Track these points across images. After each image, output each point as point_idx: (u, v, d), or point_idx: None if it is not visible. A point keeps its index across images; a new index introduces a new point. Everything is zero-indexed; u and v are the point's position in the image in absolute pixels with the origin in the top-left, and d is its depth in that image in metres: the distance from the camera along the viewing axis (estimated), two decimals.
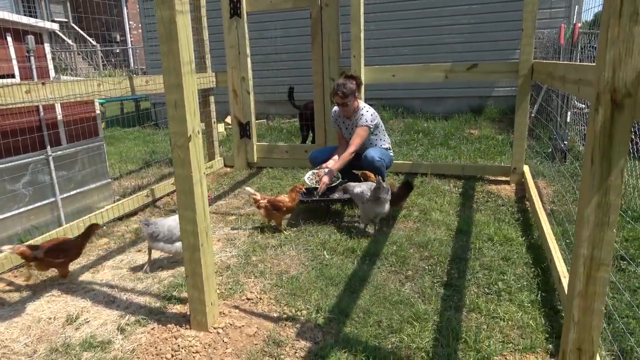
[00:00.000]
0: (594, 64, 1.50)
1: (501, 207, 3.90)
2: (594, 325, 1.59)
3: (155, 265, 3.13)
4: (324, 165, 4.08)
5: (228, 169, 5.65)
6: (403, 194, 3.74)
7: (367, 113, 4.01)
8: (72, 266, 3.16)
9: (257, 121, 8.33)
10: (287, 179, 5.02)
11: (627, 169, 3.88)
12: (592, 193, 1.46)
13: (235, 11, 5.09)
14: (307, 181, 3.94)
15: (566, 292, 1.70)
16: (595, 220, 1.48)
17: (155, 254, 3.16)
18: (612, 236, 1.50)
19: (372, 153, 3.94)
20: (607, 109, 1.40)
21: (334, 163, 4.03)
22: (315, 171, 4.03)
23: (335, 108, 4.24)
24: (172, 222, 2.94)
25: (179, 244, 2.87)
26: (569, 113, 5.09)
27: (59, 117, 3.63)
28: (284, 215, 3.59)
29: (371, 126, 4.01)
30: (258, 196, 3.57)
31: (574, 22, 6.50)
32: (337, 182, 3.90)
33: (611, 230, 1.48)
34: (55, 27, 3.57)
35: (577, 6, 7.22)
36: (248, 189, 3.67)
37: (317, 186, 3.86)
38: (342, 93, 3.89)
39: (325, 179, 3.82)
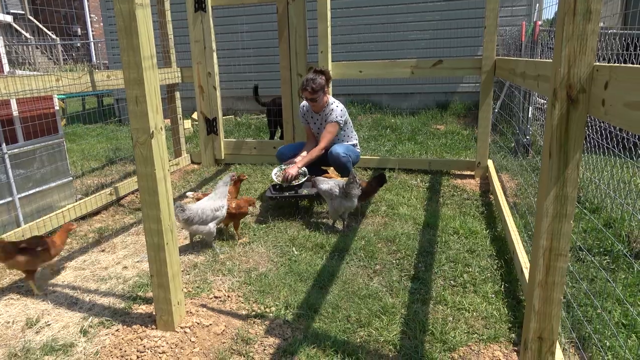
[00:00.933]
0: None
1: (466, 201, 3.98)
2: (553, 315, 1.64)
3: (119, 265, 3.06)
4: (291, 160, 4.06)
5: (195, 166, 5.57)
6: (374, 188, 3.76)
7: (337, 108, 4.01)
8: None
9: (224, 117, 8.23)
10: (256, 175, 4.99)
11: (584, 162, 4.02)
12: (550, 186, 1.51)
13: (200, 5, 5.00)
14: (274, 178, 3.92)
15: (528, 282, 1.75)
16: (553, 212, 1.53)
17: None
18: (570, 228, 1.55)
19: (338, 149, 3.94)
20: (563, 104, 1.44)
21: (302, 158, 4.01)
22: (284, 167, 4.01)
23: (304, 103, 4.22)
24: (203, 205, 3.11)
25: (212, 224, 3.12)
26: (530, 108, 5.23)
27: (15, 113, 3.48)
28: (229, 221, 3.36)
29: (341, 122, 4.01)
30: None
31: (535, 19, 6.68)
32: (305, 178, 3.89)
33: (568, 222, 1.53)
34: (8, 19, 3.42)
35: (537, 4, 7.43)
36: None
37: (277, 182, 3.84)
38: (312, 88, 3.87)
39: (292, 171, 3.81)
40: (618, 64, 1.24)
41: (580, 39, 1.38)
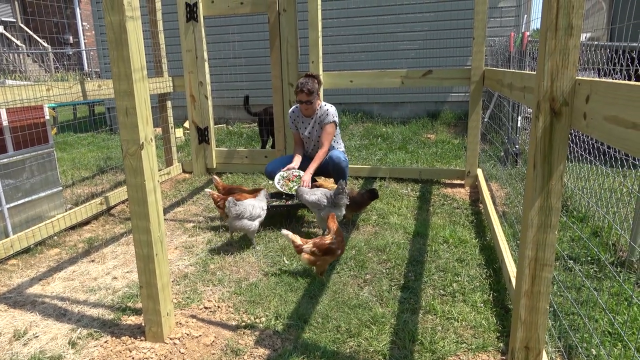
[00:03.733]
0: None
1: (456, 210, 4.01)
2: (539, 324, 1.66)
3: (109, 276, 3.04)
4: (289, 166, 4.04)
5: (187, 175, 5.56)
6: (365, 200, 3.76)
7: (331, 109, 4.05)
8: (20, 279, 3.03)
9: (216, 126, 8.24)
10: (247, 184, 4.99)
11: (575, 172, 4.07)
12: (535, 196, 1.53)
13: (191, 15, 5.03)
14: (277, 186, 3.87)
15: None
16: (538, 222, 1.55)
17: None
18: (554, 238, 1.57)
19: (338, 154, 3.96)
20: (547, 116, 1.47)
21: (311, 164, 3.98)
22: (284, 174, 3.96)
23: (293, 108, 4.24)
24: (253, 202, 3.35)
25: (257, 221, 3.33)
26: (519, 118, 5.29)
27: (5, 123, 3.47)
28: (334, 258, 2.94)
29: (337, 122, 4.05)
30: (298, 240, 2.93)
31: (523, 30, 6.77)
32: (297, 186, 3.89)
33: (553, 232, 1.56)
34: None
35: (525, 15, 7.54)
36: (285, 231, 2.99)
37: (283, 191, 3.81)
38: (308, 90, 3.90)
39: (306, 178, 3.81)
40: (598, 79, 1.27)
41: (563, 53, 1.42)
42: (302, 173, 3.96)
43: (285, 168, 4.02)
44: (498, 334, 2.27)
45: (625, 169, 3.11)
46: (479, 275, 2.84)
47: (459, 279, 2.80)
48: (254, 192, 3.65)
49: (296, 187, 3.79)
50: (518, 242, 3.11)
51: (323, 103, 4.10)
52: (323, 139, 4.02)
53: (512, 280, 2.45)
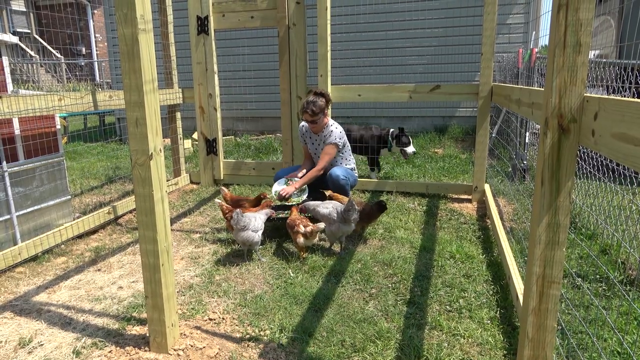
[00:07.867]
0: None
1: (463, 225, 3.99)
2: (547, 342, 1.64)
3: (115, 285, 3.05)
4: (292, 174, 4.08)
5: (194, 186, 5.59)
6: (374, 213, 3.75)
7: (337, 130, 4.06)
8: (27, 287, 3.04)
9: (224, 137, 8.29)
10: (255, 195, 4.99)
11: (583, 189, 4.04)
12: (543, 213, 1.52)
13: (202, 28, 5.09)
14: (275, 196, 3.92)
15: None
16: (546, 239, 1.54)
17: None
18: (562, 255, 1.56)
19: (337, 172, 3.98)
20: (555, 133, 1.47)
21: (300, 179, 4.03)
22: (284, 186, 4.00)
23: (303, 123, 4.27)
24: (256, 215, 3.46)
25: (260, 232, 3.39)
26: (527, 134, 5.28)
27: (17, 132, 3.52)
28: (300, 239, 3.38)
29: (339, 144, 4.05)
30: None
31: (531, 47, 6.79)
32: (305, 195, 3.91)
33: (561, 250, 1.54)
34: (14, 39, 3.49)
35: (534, 32, 7.56)
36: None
37: (284, 203, 3.85)
38: (312, 111, 3.92)
39: (288, 190, 3.84)
40: (607, 96, 1.27)
41: (571, 70, 1.42)
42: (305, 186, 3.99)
43: (288, 176, 4.06)
44: (505, 352, 2.24)
45: (634, 186, 3.09)
46: (486, 292, 2.82)
47: (466, 295, 2.78)
48: (258, 206, 3.72)
49: (295, 198, 3.89)
50: (525, 258, 3.09)
51: (331, 122, 4.11)
52: (321, 157, 4.04)
53: (519, 297, 2.43)
